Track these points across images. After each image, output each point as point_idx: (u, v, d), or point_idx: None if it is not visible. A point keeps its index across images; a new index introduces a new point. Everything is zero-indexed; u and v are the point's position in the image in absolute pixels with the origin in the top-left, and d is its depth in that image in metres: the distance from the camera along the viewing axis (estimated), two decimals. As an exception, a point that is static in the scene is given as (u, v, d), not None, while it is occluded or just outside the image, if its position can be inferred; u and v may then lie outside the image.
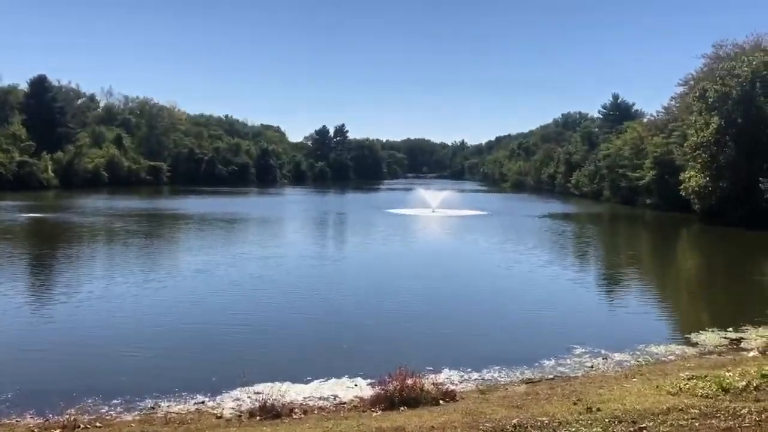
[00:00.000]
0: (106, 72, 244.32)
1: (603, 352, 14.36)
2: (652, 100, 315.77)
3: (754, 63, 48.93)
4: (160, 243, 34.90)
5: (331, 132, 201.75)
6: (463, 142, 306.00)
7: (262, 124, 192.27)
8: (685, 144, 54.37)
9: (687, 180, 52.38)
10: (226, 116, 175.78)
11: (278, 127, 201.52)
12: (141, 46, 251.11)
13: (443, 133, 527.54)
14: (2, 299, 19.07)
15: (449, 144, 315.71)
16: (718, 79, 50.65)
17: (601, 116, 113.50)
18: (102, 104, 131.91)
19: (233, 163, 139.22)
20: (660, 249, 40.04)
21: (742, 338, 15.97)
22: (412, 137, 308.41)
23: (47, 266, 26.37)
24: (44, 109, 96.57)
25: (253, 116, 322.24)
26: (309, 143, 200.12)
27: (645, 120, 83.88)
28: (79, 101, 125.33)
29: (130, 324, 16.48)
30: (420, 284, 23.59)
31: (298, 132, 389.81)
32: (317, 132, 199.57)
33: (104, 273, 24.18)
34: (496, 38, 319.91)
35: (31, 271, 25.22)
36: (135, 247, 32.32)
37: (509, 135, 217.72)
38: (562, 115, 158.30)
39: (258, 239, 37.66)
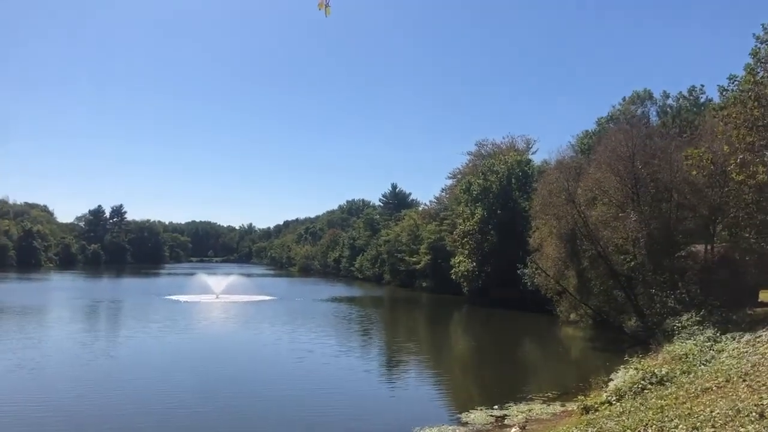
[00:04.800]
0: None
1: (381, 439, 14.55)
2: (427, 191, 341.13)
3: (509, 162, 55.77)
4: None
5: (107, 212, 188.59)
6: (251, 226, 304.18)
7: (26, 203, 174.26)
8: (455, 232, 59.57)
9: (457, 265, 57.08)
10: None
11: (45, 206, 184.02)
12: None
13: (230, 216, 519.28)
14: None
15: (237, 227, 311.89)
16: (480, 174, 56.90)
17: (382, 204, 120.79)
18: None
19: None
20: (435, 331, 42.42)
21: (506, 415, 17.31)
22: (198, 219, 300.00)
23: None
24: None
25: (15, 194, 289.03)
26: (81, 224, 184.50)
27: (420, 208, 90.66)
28: None
29: None
30: (196, 383, 21.89)
31: (69, 212, 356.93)
32: (91, 212, 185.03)
33: None
34: (278, 122, 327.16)
35: None
36: None
37: (297, 219, 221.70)
38: (347, 201, 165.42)
39: (6, 333, 32.87)
